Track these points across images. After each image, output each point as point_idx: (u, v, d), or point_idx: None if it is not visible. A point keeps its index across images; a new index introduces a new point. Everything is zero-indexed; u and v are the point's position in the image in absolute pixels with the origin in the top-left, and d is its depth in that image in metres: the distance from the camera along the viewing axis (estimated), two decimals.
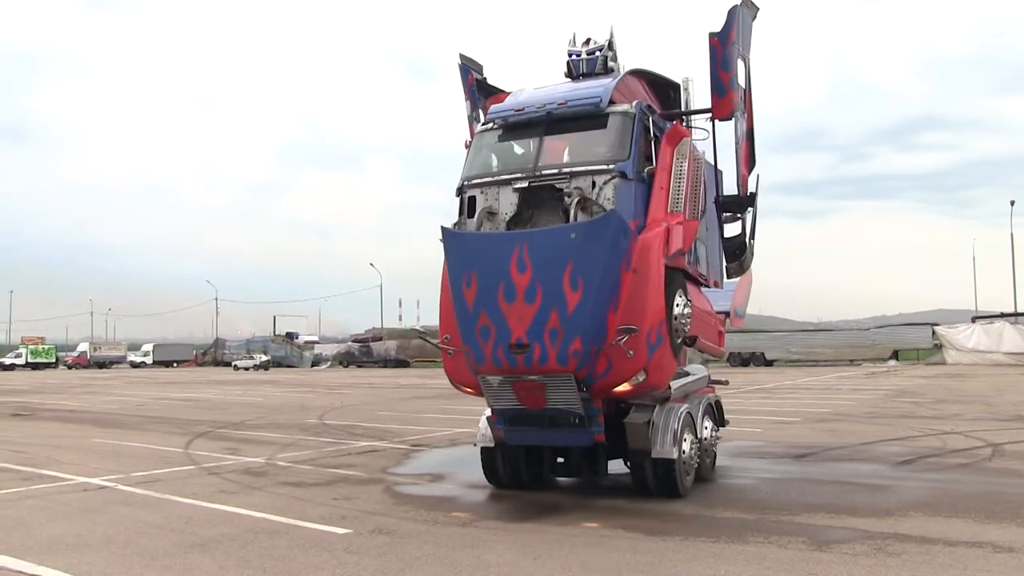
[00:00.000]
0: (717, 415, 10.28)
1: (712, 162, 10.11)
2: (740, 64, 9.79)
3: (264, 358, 69.60)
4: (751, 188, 10.61)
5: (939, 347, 49.79)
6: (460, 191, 8.69)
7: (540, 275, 7.61)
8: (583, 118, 8.47)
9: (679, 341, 8.52)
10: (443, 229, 8.33)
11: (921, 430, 14.44)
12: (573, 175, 8.13)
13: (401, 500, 8.89)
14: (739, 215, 10.72)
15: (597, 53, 9.27)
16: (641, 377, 7.87)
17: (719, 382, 11.44)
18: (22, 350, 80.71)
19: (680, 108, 9.94)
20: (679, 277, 8.58)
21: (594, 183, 8.01)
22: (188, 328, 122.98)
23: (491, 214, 8.44)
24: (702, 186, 8.97)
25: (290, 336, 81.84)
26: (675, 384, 8.98)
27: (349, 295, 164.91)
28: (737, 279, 11.48)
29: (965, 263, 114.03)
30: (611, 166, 8.03)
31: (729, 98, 9.43)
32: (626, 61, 9.52)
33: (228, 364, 74.09)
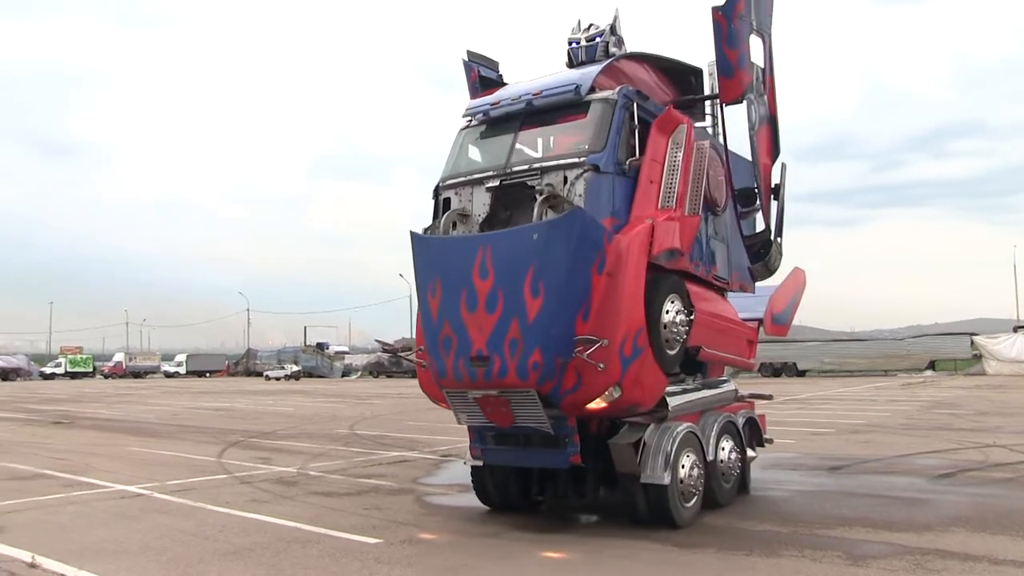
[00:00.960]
0: (748, 434, 9.48)
1: (724, 151, 9.16)
2: (756, 41, 9.05)
3: (295, 368, 70.10)
4: (775, 180, 9.73)
5: (978, 357, 48.67)
6: (436, 193, 8.25)
7: (501, 281, 7.02)
8: (562, 108, 7.85)
9: (672, 352, 7.70)
10: (411, 234, 7.81)
11: (961, 443, 14.14)
12: (544, 170, 7.52)
13: (431, 510, 8.93)
14: (758, 210, 9.69)
15: (597, 39, 8.59)
16: (616, 393, 7.13)
17: (761, 396, 10.71)
18: (61, 360, 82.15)
19: (705, 95, 9.38)
20: (671, 280, 7.77)
21: (565, 178, 7.38)
22: (220, 338, 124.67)
23: (464, 216, 7.94)
24: (706, 178, 8.19)
25: (320, 346, 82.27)
26: (676, 400, 8.12)
27: (379, 306, 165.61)
28: (774, 283, 10.57)
29: (1004, 271, 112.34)
30: (582, 159, 7.38)
31: (737, 78, 8.63)
32: (641, 46, 8.92)
33: (259, 374, 74.73)
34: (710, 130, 9.63)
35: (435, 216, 8.21)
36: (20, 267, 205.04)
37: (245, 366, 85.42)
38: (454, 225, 7.93)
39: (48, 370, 79.13)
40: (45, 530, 7.97)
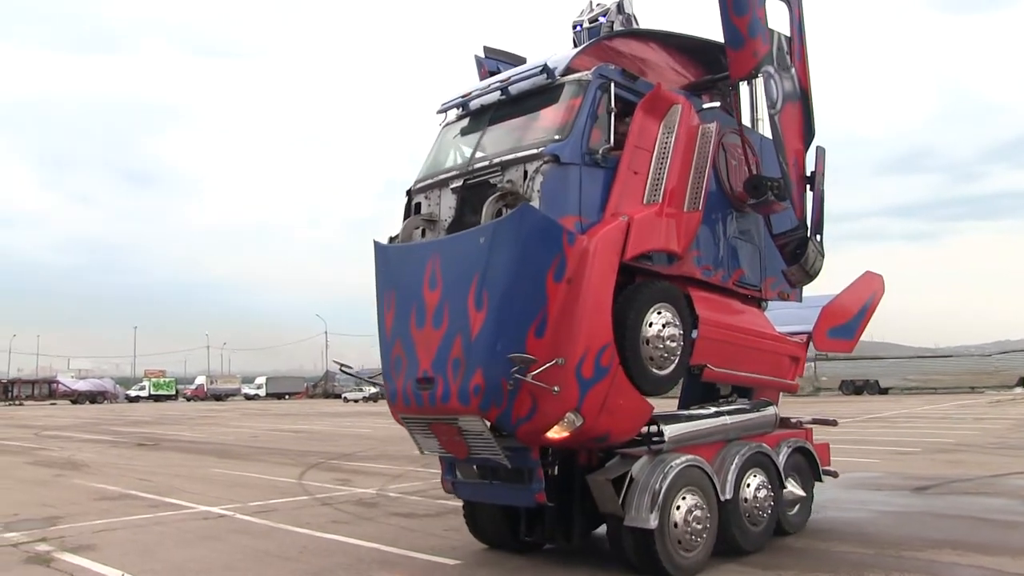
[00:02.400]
0: (794, 466, 8.16)
1: (749, 135, 8.14)
2: (778, 5, 8.02)
3: (373, 390, 70.92)
4: (809, 167, 8.49)
5: None
6: (408, 196, 7.53)
7: (448, 293, 6.30)
8: (537, 94, 6.96)
9: (661, 372, 6.62)
10: (374, 244, 7.21)
11: None
12: (505, 166, 6.65)
13: None
14: (786, 202, 8.04)
15: (601, 20, 7.78)
16: (577, 421, 6.12)
17: (823, 422, 9.48)
18: (145, 383, 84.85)
19: (712, 77, 8.31)
20: (658, 288, 6.72)
21: (526, 173, 6.47)
22: (299, 361, 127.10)
23: (431, 222, 7.16)
24: (725, 168, 7.32)
25: None
26: (676, 428, 6.96)
27: None
28: (818, 289, 9.05)
29: None
30: (540, 149, 6.44)
31: (749, 49, 7.44)
32: (662, 26, 8.03)
33: (338, 396, 75.86)
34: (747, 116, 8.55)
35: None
36: (106, 292, 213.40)
37: (323, 388, 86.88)
38: (423, 233, 7.18)
39: (133, 393, 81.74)
40: (134, 549, 8.22)
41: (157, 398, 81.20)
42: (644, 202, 6.68)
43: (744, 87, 8.56)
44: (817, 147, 8.50)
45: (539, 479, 6.43)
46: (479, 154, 7.03)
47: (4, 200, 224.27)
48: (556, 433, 6.18)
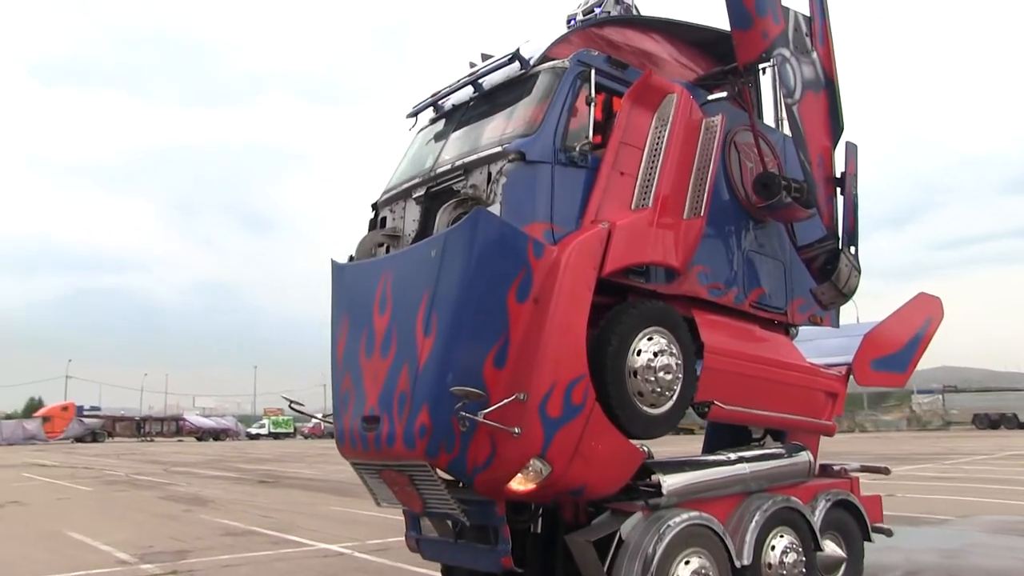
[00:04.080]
0: (844, 524, 6.94)
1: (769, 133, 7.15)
2: None
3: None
4: (839, 167, 7.42)
5: None
6: (374, 210, 6.67)
7: (396, 315, 5.39)
8: (510, 88, 6.00)
9: (654, 411, 5.52)
10: (331, 263, 6.35)
11: None
12: (468, 168, 5.73)
13: None
14: (812, 208, 6.89)
15: (597, 11, 6.79)
16: (544, 469, 5.08)
17: (875, 469, 8.03)
18: (265, 421, 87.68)
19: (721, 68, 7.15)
20: (650, 309, 5.67)
21: (490, 175, 5.52)
22: None
23: (395, 237, 6.30)
24: (714, 167, 6.04)
25: None
26: (677, 479, 5.78)
27: None
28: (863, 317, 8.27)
29: None
30: (504, 147, 5.47)
31: (758, 29, 6.50)
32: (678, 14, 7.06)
33: None
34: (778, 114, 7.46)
35: None
36: (228, 333, 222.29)
37: None
38: (388, 250, 6.27)
39: (254, 431, 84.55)
40: None
41: (276, 435, 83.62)
42: (632, 207, 5.69)
43: (762, 79, 7.45)
44: (847, 143, 7.43)
45: (505, 540, 5.35)
46: (444, 157, 6.13)
47: (138, 246, 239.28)
48: (520, 484, 5.16)
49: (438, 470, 5.16)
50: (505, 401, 4.87)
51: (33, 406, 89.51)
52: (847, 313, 8.12)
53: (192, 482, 23.19)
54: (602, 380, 5.24)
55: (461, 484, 5.34)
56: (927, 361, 8.43)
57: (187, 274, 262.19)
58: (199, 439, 75.09)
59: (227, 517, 14.36)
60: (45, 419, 68.19)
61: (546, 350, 5.03)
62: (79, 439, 65.99)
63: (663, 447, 6.38)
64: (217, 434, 78.47)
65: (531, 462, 5.05)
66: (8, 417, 79.50)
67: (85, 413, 72.16)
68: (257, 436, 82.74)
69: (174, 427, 78.99)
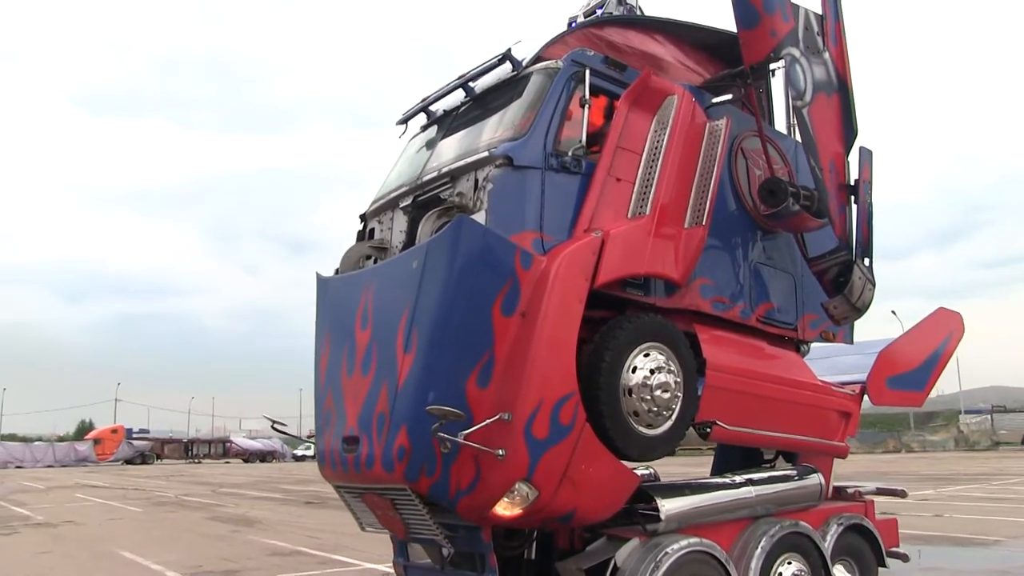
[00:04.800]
0: (857, 550, 6.60)
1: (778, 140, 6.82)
2: None
3: None
4: (852, 174, 7.09)
5: None
6: (363, 222, 6.45)
7: (377, 331, 5.17)
8: (502, 90, 5.76)
9: (651, 432, 5.27)
10: (316, 276, 6.16)
11: None
12: (455, 175, 5.47)
13: None
14: (824, 217, 6.53)
15: (598, 12, 6.59)
16: (531, 494, 4.84)
17: (892, 492, 7.73)
18: (310, 443, 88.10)
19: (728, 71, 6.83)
20: (646, 323, 5.40)
21: (476, 182, 5.26)
22: None
23: (382, 249, 6.03)
24: (718, 173, 5.76)
25: None
26: (675, 504, 5.48)
27: None
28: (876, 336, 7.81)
29: None
30: (491, 152, 5.22)
31: (765, 28, 6.19)
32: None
33: None
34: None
35: None
36: (272, 355, 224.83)
37: None
38: (375, 262, 6.03)
39: (299, 453, 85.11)
40: None
41: None
42: (629, 215, 5.42)
43: (773, 84, 7.22)
44: (861, 148, 7.11)
45: (491, 568, 5.10)
46: (431, 165, 5.88)
47: (184, 272, 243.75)
48: (506, 509, 4.91)
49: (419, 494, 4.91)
50: (488, 421, 4.63)
51: (84, 428, 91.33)
52: (870, 330, 7.83)
53: (240, 503, 23.49)
54: (595, 399, 5.00)
55: (444, 509, 5.07)
56: (976, 380, 8.28)
57: (232, 299, 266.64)
58: (246, 461, 75.81)
59: (274, 537, 14.54)
60: (96, 441, 69.39)
61: (533, 367, 4.77)
62: (129, 461, 67.12)
63: (685, 468, 6.22)
64: (264, 456, 79.00)
65: (516, 486, 4.82)
66: (61, 439, 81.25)
67: (134, 435, 73.21)
68: (303, 458, 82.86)
69: (221, 449, 79.83)
